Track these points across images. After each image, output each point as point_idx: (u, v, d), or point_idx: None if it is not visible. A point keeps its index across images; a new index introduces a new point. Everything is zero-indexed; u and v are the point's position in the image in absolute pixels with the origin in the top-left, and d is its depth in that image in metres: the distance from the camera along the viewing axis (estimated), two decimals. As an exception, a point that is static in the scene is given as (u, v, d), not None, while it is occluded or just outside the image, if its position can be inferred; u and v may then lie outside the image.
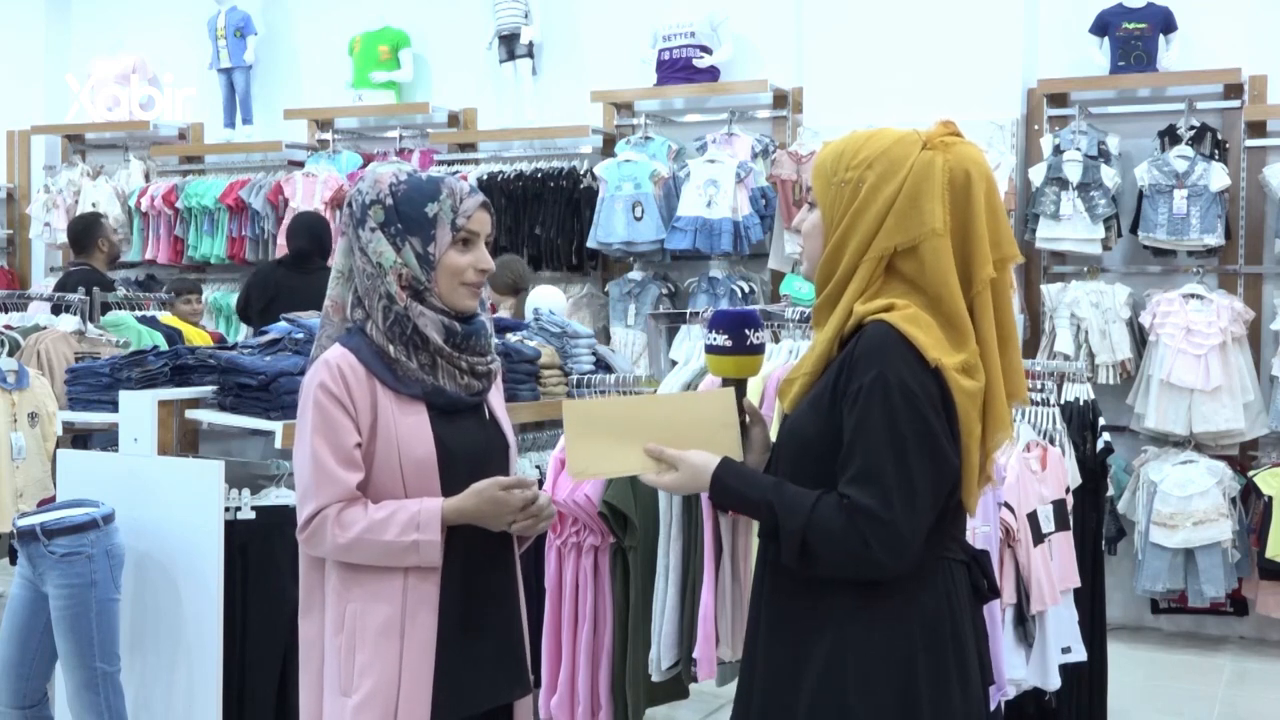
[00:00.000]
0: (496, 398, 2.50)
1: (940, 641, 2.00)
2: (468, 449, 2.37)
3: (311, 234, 6.72)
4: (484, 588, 2.40)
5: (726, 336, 2.23)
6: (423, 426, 2.32)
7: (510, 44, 7.77)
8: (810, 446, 2.02)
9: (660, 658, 3.22)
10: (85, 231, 6.78)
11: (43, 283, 8.69)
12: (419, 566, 2.29)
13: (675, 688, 3.40)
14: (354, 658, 2.30)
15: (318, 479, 2.28)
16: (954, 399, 1.96)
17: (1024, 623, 3.71)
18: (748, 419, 2.21)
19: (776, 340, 3.53)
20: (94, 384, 3.97)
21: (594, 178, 7.14)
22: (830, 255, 2.05)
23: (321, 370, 2.31)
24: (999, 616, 3.56)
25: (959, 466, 1.99)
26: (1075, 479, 4.19)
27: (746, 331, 2.23)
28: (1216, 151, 6.30)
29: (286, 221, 7.51)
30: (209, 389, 3.61)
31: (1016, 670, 3.68)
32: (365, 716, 2.27)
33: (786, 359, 3.30)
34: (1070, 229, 6.33)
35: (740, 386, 2.24)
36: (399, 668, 2.29)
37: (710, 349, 2.25)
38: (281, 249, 7.62)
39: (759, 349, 2.26)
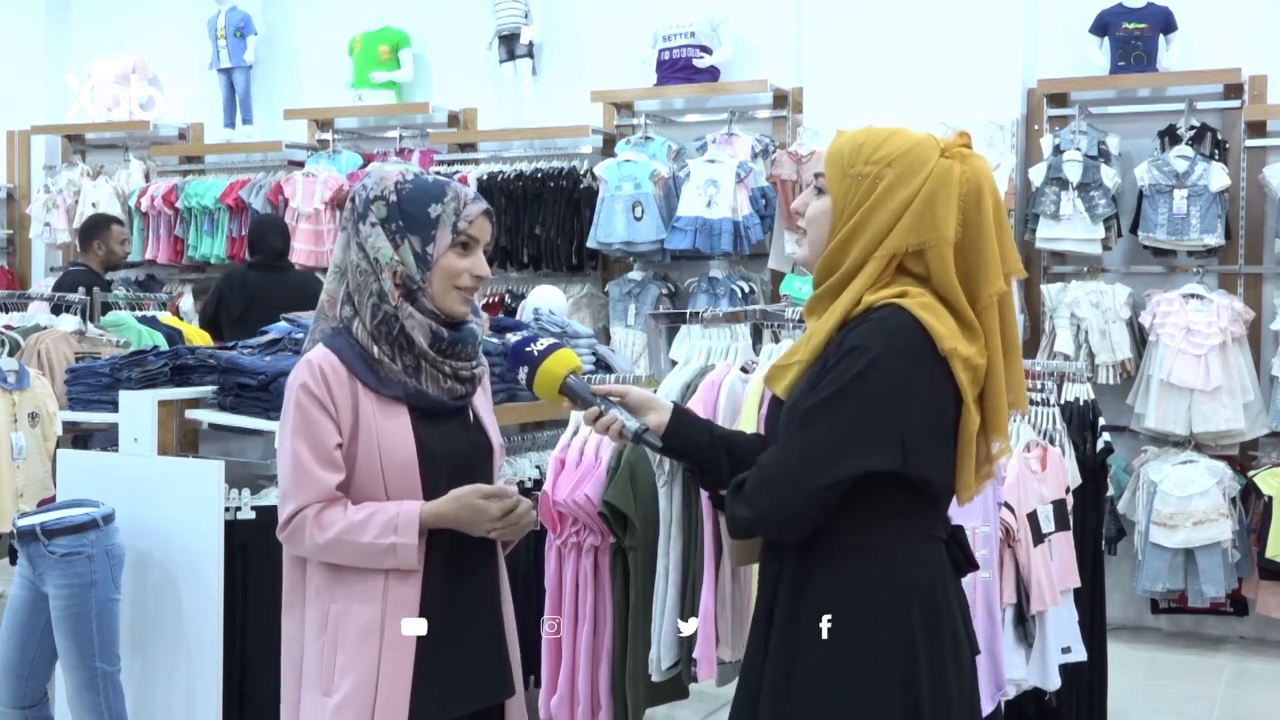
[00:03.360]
0: (482, 401, 2.51)
1: (935, 614, 2.04)
2: (450, 452, 2.38)
3: (283, 233, 6.75)
4: (467, 590, 2.40)
5: (524, 366, 2.31)
6: (404, 429, 2.32)
7: (510, 44, 7.76)
8: None
9: (660, 658, 3.22)
10: (87, 232, 6.79)
11: (43, 283, 8.68)
12: (397, 569, 2.30)
13: (675, 688, 3.39)
14: (335, 658, 2.31)
15: (297, 479, 2.29)
16: (959, 390, 1.99)
17: (1024, 623, 3.71)
18: (605, 396, 2.27)
19: (776, 340, 3.53)
20: (94, 384, 3.97)
21: (594, 178, 7.14)
22: (837, 247, 2.06)
23: (303, 370, 2.32)
24: (999, 616, 3.55)
25: (900, 463, 1.97)
26: (1075, 479, 4.19)
27: (528, 350, 2.31)
28: (1216, 151, 6.30)
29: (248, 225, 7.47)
30: (209, 389, 3.61)
31: (1016, 670, 3.68)
32: (343, 717, 2.28)
33: (786, 359, 3.29)
34: (1070, 229, 6.33)
35: (574, 383, 2.29)
36: (377, 669, 2.29)
37: (529, 385, 2.32)
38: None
39: (553, 346, 2.32)
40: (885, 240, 2.01)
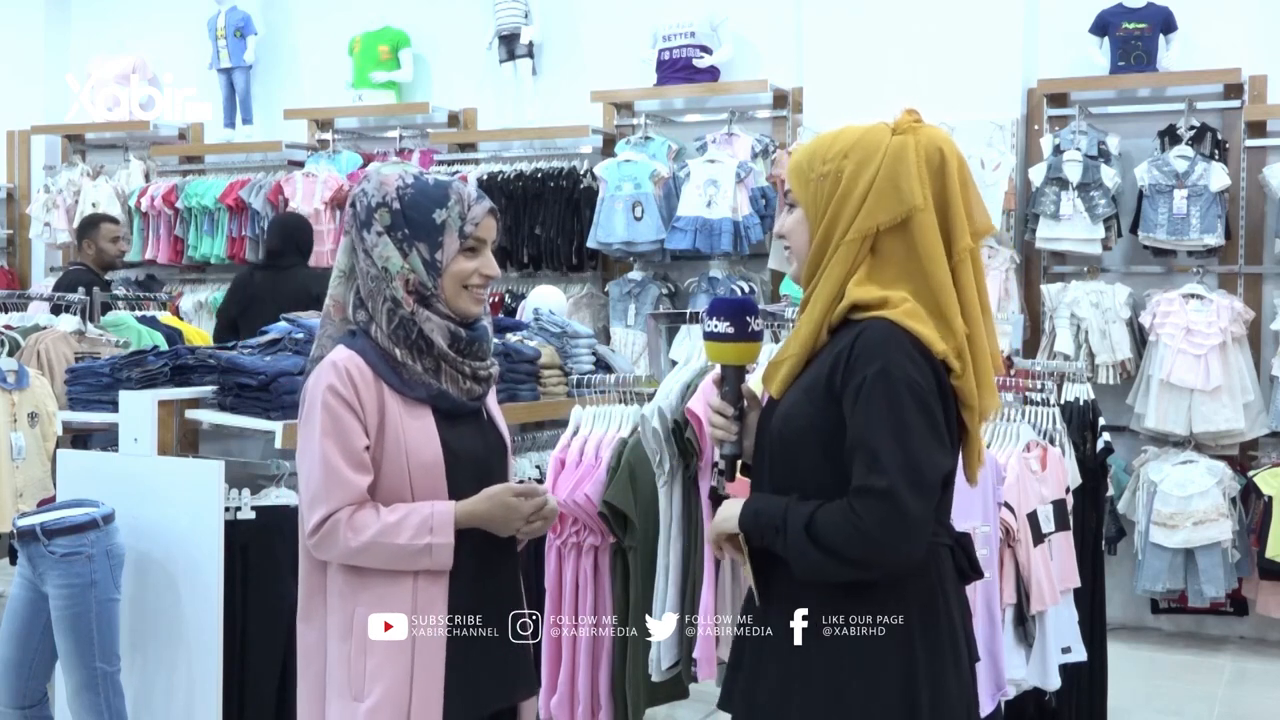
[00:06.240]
0: (493, 400, 2.51)
1: (934, 621, 2.05)
2: (471, 452, 2.38)
3: (284, 233, 6.65)
4: (491, 590, 2.40)
5: (728, 323, 2.23)
6: (429, 430, 2.32)
7: (510, 44, 7.76)
8: (807, 434, 2.05)
9: (660, 658, 3.22)
10: (80, 231, 6.81)
11: (43, 283, 8.68)
12: (429, 570, 2.29)
13: (675, 688, 3.39)
14: (365, 662, 2.29)
15: (328, 482, 2.26)
16: (952, 389, 2.02)
17: (1024, 623, 3.71)
18: (745, 404, 2.24)
19: (776, 340, 3.53)
20: (94, 384, 3.97)
21: (594, 178, 7.14)
22: (818, 246, 2.10)
23: (329, 372, 2.30)
24: (999, 616, 3.55)
25: (955, 458, 2.05)
26: (1075, 479, 4.19)
27: (747, 319, 2.25)
28: (1216, 151, 6.30)
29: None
30: (209, 389, 3.60)
31: (1016, 670, 3.68)
32: None
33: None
34: (1070, 229, 6.33)
35: (740, 373, 2.25)
36: (410, 672, 2.28)
37: (711, 336, 2.25)
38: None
39: (759, 335, 2.28)
40: (855, 222, 2.04)
